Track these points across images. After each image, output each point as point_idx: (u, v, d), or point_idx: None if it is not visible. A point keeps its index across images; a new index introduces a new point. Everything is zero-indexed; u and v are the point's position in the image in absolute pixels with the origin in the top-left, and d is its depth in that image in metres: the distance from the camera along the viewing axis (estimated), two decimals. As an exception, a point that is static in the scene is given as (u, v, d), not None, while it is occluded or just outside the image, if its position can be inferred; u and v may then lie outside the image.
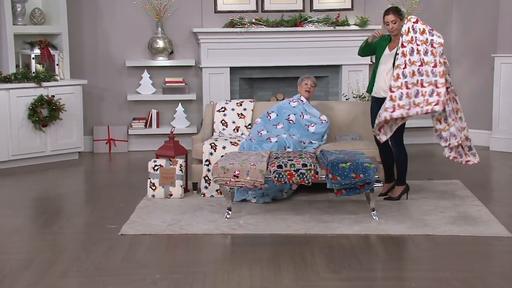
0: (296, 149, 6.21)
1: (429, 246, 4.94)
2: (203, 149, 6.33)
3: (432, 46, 5.67)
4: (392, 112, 5.67)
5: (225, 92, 8.52)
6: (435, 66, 5.64)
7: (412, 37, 5.70)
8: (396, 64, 5.75)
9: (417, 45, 5.68)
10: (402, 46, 5.74)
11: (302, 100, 6.55)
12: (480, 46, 8.56)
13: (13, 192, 6.61)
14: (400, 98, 5.65)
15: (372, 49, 6.16)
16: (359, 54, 6.33)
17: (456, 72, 8.77)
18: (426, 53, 5.66)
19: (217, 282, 4.29)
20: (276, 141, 6.20)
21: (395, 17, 5.92)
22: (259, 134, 6.35)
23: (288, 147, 6.20)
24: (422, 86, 5.63)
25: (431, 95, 5.59)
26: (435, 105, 5.55)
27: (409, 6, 8.45)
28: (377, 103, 6.09)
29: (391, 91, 5.70)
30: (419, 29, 5.71)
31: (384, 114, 5.72)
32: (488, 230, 5.22)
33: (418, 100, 5.62)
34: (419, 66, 5.65)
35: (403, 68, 5.68)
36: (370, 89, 6.20)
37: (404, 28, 5.76)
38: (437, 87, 5.60)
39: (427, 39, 5.69)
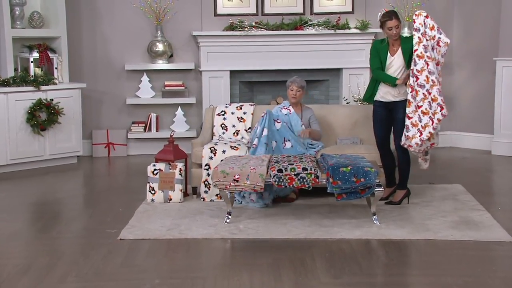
0: (296, 149, 6.17)
1: (431, 251, 4.92)
2: (202, 153, 6.30)
3: (438, 44, 5.73)
4: (441, 110, 5.74)
5: (225, 95, 8.49)
6: (437, 64, 5.77)
7: (424, 31, 5.76)
8: (419, 68, 5.75)
9: (426, 40, 5.74)
10: (420, 41, 5.74)
11: (289, 110, 6.47)
12: (482, 49, 8.53)
13: (11, 197, 6.58)
14: (440, 95, 5.75)
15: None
16: (377, 77, 6.11)
17: (458, 75, 8.76)
18: (432, 49, 5.74)
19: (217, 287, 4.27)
20: (279, 127, 6.20)
21: (398, 21, 5.90)
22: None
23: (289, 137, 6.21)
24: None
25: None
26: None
27: (410, 10, 8.42)
28: (382, 108, 6.05)
29: (429, 93, 5.74)
30: (429, 24, 5.78)
31: (437, 118, 5.75)
32: (490, 235, 5.19)
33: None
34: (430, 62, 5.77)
35: (428, 67, 5.74)
36: (368, 97, 6.14)
37: (418, 22, 5.77)
38: (440, 84, 5.80)
39: (434, 36, 5.77)
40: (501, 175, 7.43)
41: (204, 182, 6.24)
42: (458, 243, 5.03)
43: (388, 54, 5.98)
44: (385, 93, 6.02)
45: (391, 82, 5.93)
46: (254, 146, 6.07)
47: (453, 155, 8.26)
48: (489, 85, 8.44)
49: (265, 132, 6.08)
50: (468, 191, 6.45)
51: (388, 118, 6.06)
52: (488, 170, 7.58)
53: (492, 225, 5.43)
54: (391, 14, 5.92)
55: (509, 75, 8.18)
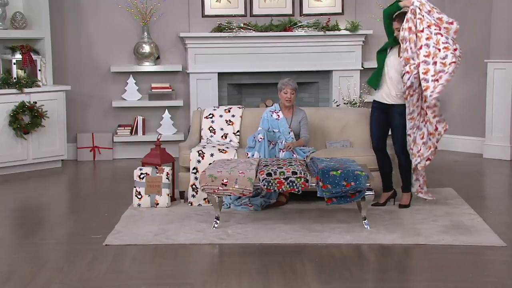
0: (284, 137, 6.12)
1: (422, 255, 4.91)
2: (190, 157, 6.23)
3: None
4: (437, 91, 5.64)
5: (213, 98, 8.44)
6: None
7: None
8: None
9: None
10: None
11: (278, 115, 6.37)
12: (473, 51, 8.50)
13: (-7, 202, 6.52)
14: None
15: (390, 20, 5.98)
16: (384, 10, 6.04)
17: (448, 78, 8.71)
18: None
19: (205, 294, 4.25)
20: (260, 139, 6.14)
21: (400, 25, 5.78)
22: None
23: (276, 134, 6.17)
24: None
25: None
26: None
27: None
28: (379, 110, 6.02)
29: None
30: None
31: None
32: (481, 240, 5.18)
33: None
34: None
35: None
36: (372, 81, 6.05)
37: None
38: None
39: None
40: (493, 178, 7.43)
41: (191, 186, 6.18)
42: (449, 248, 5.02)
43: (396, 53, 5.91)
44: (381, 93, 5.97)
45: (396, 8, 5.85)
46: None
47: (444, 158, 8.23)
48: (480, 87, 8.42)
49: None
50: (460, 195, 6.44)
51: (386, 121, 6.02)
52: (480, 174, 7.58)
53: (483, 229, 5.42)
54: (396, 16, 5.84)
55: (500, 77, 8.16)
